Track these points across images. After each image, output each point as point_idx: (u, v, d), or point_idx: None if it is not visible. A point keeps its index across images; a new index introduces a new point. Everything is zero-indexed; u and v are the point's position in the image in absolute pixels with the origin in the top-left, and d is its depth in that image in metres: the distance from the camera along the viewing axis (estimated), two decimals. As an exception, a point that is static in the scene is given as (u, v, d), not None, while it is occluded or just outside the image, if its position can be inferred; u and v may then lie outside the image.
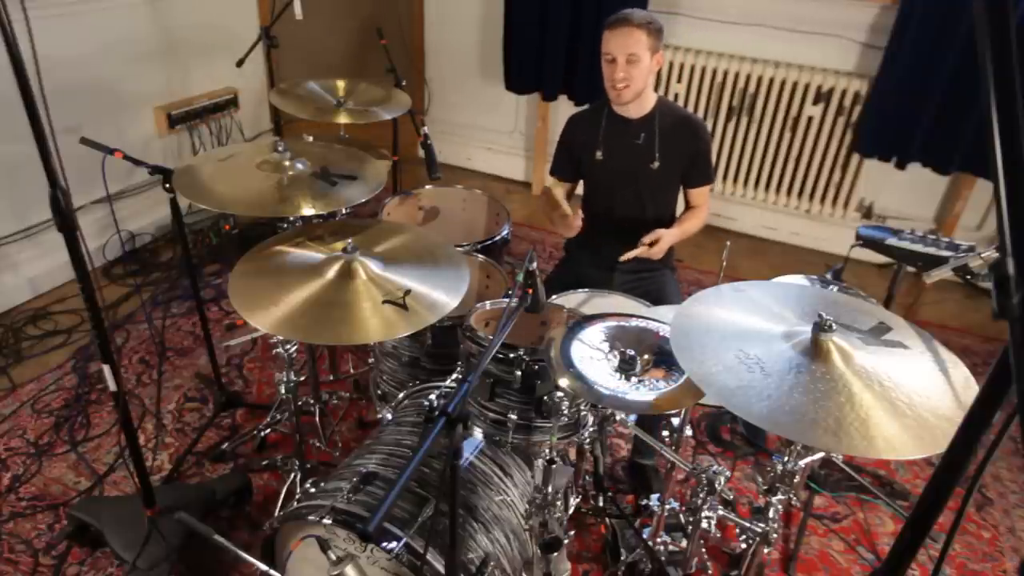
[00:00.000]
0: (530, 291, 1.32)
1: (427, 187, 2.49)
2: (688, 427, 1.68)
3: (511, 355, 1.50)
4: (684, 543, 1.75)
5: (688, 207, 2.27)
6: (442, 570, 1.28)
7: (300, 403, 2.05)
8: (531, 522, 1.55)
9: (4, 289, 2.87)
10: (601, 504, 2.01)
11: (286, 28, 2.84)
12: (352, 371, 2.61)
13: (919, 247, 1.78)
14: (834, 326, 1.25)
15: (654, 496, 1.81)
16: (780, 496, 1.56)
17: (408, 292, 1.49)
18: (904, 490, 2.27)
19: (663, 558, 1.77)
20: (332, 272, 1.54)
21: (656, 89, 2.36)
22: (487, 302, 1.75)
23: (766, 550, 1.61)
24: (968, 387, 1.20)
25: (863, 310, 1.43)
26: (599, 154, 2.18)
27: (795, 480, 1.55)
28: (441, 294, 1.52)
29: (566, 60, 3.66)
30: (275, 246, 1.67)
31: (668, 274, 2.25)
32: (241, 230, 3.36)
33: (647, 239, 2.05)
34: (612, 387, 1.39)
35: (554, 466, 1.48)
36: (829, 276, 1.99)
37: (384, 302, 1.47)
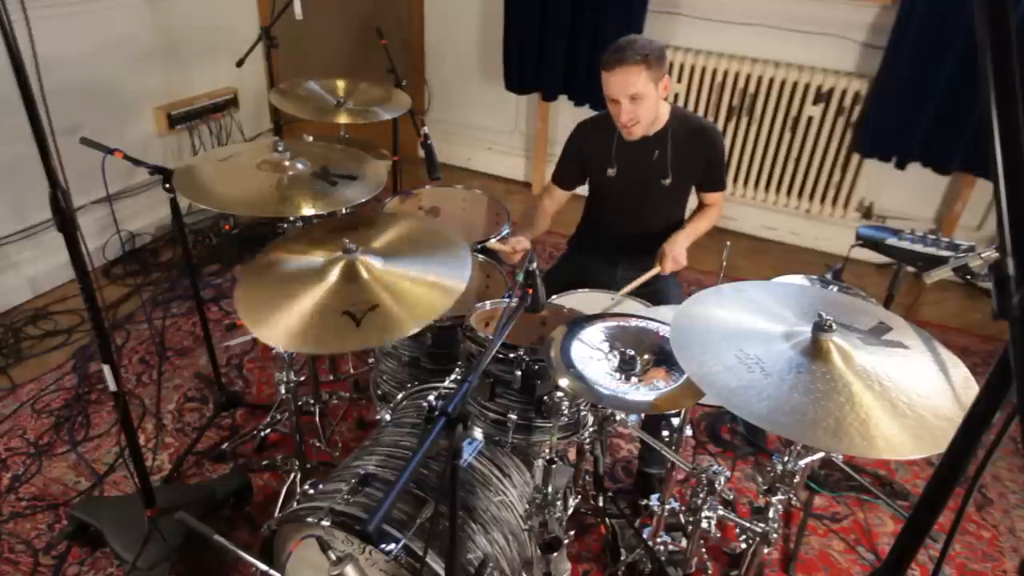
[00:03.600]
0: (530, 291, 1.32)
1: (427, 187, 2.48)
2: (688, 427, 1.68)
3: (511, 355, 1.50)
4: (684, 543, 1.75)
5: (700, 206, 2.26)
6: (441, 572, 1.28)
7: (300, 403, 2.05)
8: (531, 522, 1.54)
9: (4, 289, 2.87)
10: (601, 504, 2.00)
11: (286, 28, 2.84)
12: (352, 371, 2.61)
13: (919, 247, 1.77)
14: (834, 326, 1.25)
15: (654, 496, 1.81)
16: (780, 496, 1.56)
17: (375, 307, 1.46)
18: (904, 490, 2.27)
19: (663, 558, 1.77)
20: (335, 275, 1.53)
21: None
22: (487, 302, 1.75)
23: (766, 550, 1.61)
24: (968, 387, 1.20)
25: (863, 310, 1.43)
26: (611, 171, 2.14)
27: (795, 480, 1.55)
28: (446, 278, 1.52)
29: (566, 60, 3.66)
30: (274, 253, 1.64)
31: (669, 274, 2.25)
32: (241, 230, 3.36)
33: (664, 261, 2.05)
34: (612, 387, 1.39)
35: (554, 466, 1.48)
36: (829, 276, 1.98)
37: (344, 313, 1.42)
